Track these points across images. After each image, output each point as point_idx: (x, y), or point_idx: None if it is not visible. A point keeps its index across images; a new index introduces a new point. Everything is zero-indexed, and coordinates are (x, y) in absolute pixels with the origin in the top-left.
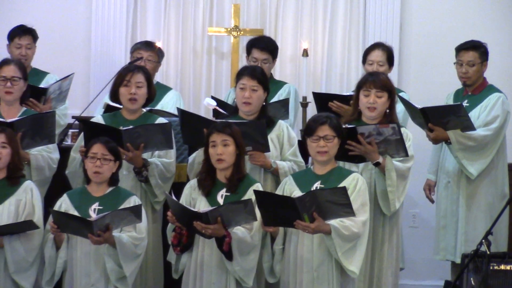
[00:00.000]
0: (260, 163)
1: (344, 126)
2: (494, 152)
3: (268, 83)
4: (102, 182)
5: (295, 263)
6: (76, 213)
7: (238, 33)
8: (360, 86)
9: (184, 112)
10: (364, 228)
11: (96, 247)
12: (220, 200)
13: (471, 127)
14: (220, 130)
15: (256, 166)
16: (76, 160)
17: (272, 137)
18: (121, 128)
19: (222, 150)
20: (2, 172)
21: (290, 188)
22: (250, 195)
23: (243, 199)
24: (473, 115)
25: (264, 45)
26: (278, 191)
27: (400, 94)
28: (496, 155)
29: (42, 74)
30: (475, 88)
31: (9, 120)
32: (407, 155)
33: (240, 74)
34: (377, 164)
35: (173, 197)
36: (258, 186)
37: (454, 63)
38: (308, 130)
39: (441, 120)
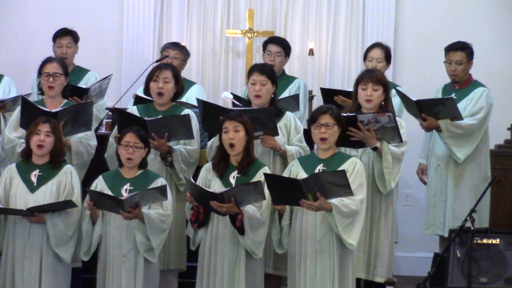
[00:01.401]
0: (271, 145)
1: (346, 115)
2: (479, 139)
3: (275, 78)
4: (133, 166)
5: (300, 237)
6: (110, 192)
7: (252, 35)
8: (358, 81)
9: (202, 102)
10: (361, 206)
11: (127, 222)
12: (232, 181)
13: (459, 117)
14: (232, 117)
15: (266, 150)
16: (113, 145)
17: (280, 125)
18: (146, 118)
19: (233, 135)
20: (46, 157)
21: (296, 170)
22: (259, 177)
23: (253, 181)
24: (460, 106)
25: (279, 40)
26: (286, 172)
27: (397, 88)
28: (480, 142)
29: (84, 71)
30: (462, 83)
31: (53, 110)
32: (401, 140)
33: (251, 71)
34: (375, 149)
35: (192, 180)
36: (266, 169)
37: (444, 62)
38: (312, 118)
39: (433, 111)
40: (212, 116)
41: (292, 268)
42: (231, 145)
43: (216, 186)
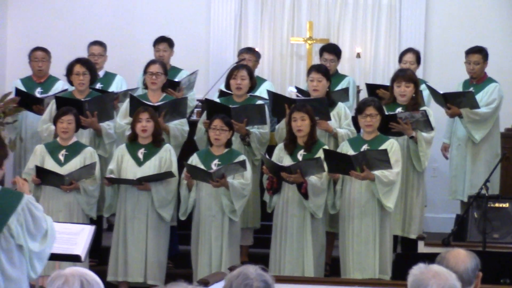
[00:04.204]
0: (324, 128)
1: (387, 114)
2: (492, 124)
3: (329, 75)
4: (220, 145)
5: (348, 201)
6: (202, 166)
7: (312, 42)
8: (393, 80)
9: (273, 93)
10: (397, 177)
11: (216, 190)
12: (300, 158)
13: (477, 107)
14: (299, 109)
15: (322, 133)
16: (201, 130)
17: (334, 113)
18: (230, 106)
19: (301, 123)
20: (149, 138)
21: (346, 149)
22: (320, 154)
23: (315, 157)
24: (477, 98)
25: (332, 49)
26: (338, 150)
27: (426, 83)
28: (493, 126)
29: (177, 70)
30: (479, 79)
31: (156, 104)
32: (432, 129)
33: (310, 70)
34: (411, 137)
35: (267, 156)
36: (326, 147)
37: (464, 62)
38: (359, 109)
39: (456, 101)
40: (280, 104)
41: (342, 226)
42: (299, 131)
43: (287, 162)
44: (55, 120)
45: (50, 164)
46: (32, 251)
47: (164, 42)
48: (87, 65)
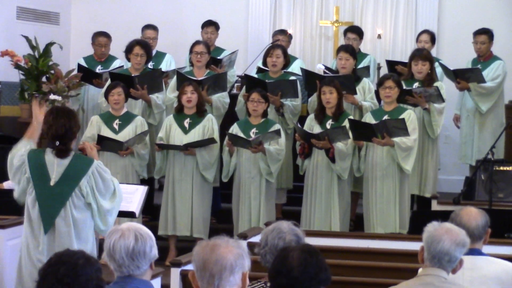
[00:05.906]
0: (351, 101)
1: (405, 88)
2: (497, 96)
3: (356, 55)
4: (257, 116)
5: (371, 165)
6: (242, 135)
7: (338, 24)
8: (411, 58)
9: (305, 70)
10: (415, 143)
11: (254, 155)
12: (328, 126)
13: (483, 81)
14: (328, 83)
15: (349, 106)
16: (241, 102)
17: (359, 88)
18: (266, 81)
19: (329, 96)
20: (193, 109)
21: (369, 119)
22: (346, 123)
23: (341, 125)
24: (484, 74)
25: (354, 29)
26: (362, 120)
27: (440, 61)
28: (498, 98)
29: (221, 50)
30: (485, 57)
31: (199, 78)
32: (443, 101)
33: (338, 50)
34: (425, 109)
35: (299, 125)
36: (351, 117)
37: (472, 43)
38: (380, 82)
39: (465, 77)
40: (312, 80)
41: (366, 187)
42: (327, 102)
43: (317, 130)
44: (106, 94)
45: (106, 133)
46: (104, 208)
47: (212, 25)
48: (146, 48)
